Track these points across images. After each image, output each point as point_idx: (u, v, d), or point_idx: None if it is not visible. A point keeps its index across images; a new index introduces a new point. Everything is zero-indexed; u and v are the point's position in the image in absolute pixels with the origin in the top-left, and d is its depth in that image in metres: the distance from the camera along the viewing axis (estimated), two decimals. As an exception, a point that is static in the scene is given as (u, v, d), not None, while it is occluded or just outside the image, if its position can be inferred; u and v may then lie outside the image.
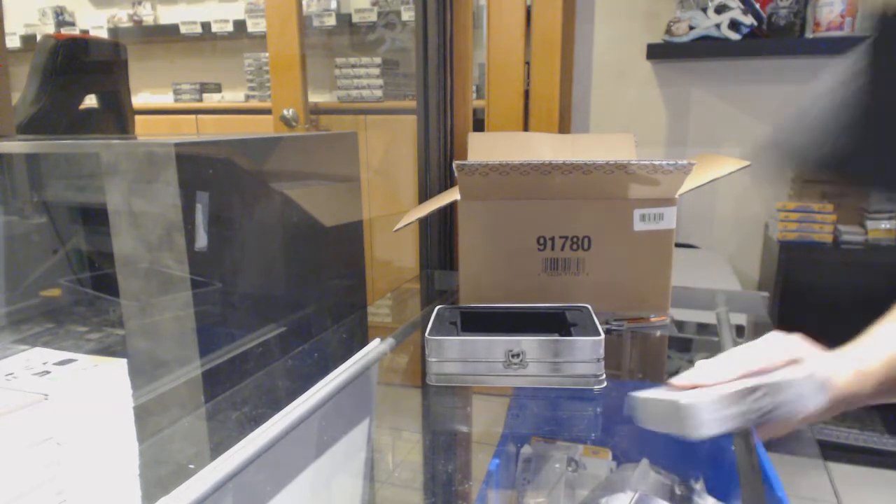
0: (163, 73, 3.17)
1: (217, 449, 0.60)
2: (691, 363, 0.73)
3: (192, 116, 2.88)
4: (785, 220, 1.85)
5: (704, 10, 1.90)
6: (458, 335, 0.80)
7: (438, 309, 0.88)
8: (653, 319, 0.96)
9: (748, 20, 1.86)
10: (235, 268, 0.86)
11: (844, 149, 0.64)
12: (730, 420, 0.51)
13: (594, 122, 2.21)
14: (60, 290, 1.08)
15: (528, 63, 1.86)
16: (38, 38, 3.10)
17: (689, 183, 0.95)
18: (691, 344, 0.98)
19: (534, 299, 0.93)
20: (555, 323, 0.85)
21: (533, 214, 0.95)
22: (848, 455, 1.79)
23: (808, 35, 1.90)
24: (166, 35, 3.11)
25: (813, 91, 1.96)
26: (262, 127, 2.61)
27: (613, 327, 0.93)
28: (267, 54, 2.33)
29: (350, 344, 1.04)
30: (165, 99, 3.12)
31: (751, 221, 2.14)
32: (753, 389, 0.51)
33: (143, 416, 0.76)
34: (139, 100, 3.13)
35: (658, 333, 0.95)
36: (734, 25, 1.87)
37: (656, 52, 1.99)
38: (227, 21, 2.92)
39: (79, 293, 1.08)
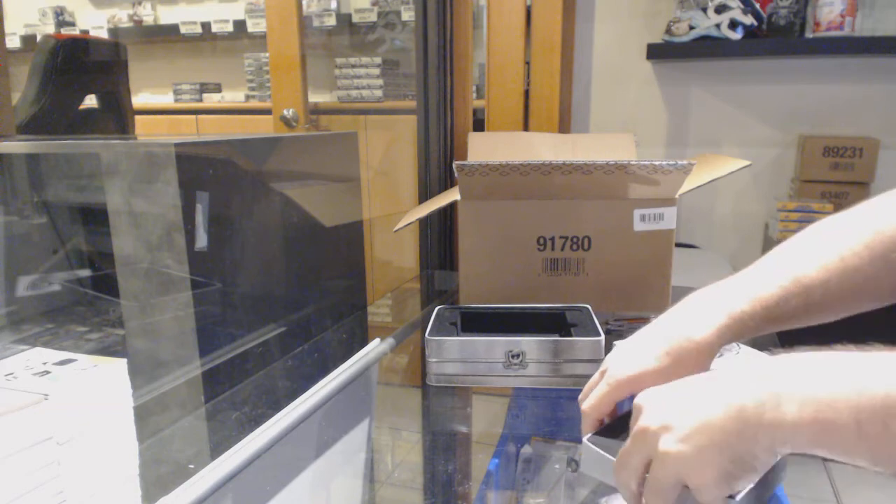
0: (163, 73, 3.17)
1: (217, 449, 0.60)
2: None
3: (192, 116, 2.88)
4: (785, 220, 1.85)
5: (704, 10, 1.90)
6: (458, 335, 0.80)
7: (438, 309, 0.88)
8: (653, 319, 0.95)
9: (748, 20, 1.86)
10: (235, 268, 0.86)
11: None
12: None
13: (594, 122, 2.21)
14: (60, 290, 1.08)
15: (528, 63, 1.86)
16: (38, 38, 3.10)
17: (689, 183, 0.95)
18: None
19: (534, 299, 0.93)
20: (555, 323, 0.85)
21: (533, 214, 0.95)
22: (848, 455, 1.78)
23: (808, 35, 1.89)
24: (166, 35, 3.11)
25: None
26: (262, 127, 2.61)
27: (613, 327, 0.93)
28: (267, 54, 2.33)
29: (350, 344, 1.04)
30: (165, 99, 3.12)
31: (751, 221, 2.13)
32: None
33: (143, 416, 0.76)
34: (139, 100, 3.13)
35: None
36: (734, 25, 1.87)
37: (656, 52, 1.99)
38: (227, 21, 2.92)
39: (79, 293, 1.08)
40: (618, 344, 0.60)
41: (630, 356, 0.56)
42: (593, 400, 0.55)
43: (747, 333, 0.55)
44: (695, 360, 0.53)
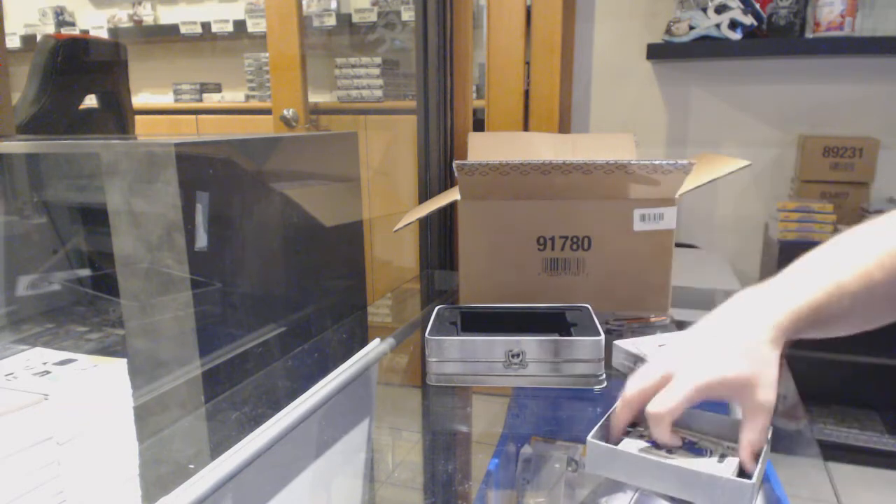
0: (163, 73, 3.17)
1: (217, 449, 0.60)
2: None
3: (192, 116, 2.88)
4: (785, 220, 1.85)
5: (704, 10, 1.90)
6: (458, 335, 0.80)
7: (438, 309, 0.88)
8: (653, 319, 0.96)
9: (748, 20, 1.86)
10: (235, 268, 0.86)
11: None
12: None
13: (594, 122, 2.21)
14: (60, 290, 1.08)
15: (528, 63, 1.86)
16: (38, 38, 3.10)
17: (689, 183, 0.95)
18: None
19: (534, 299, 0.93)
20: (555, 323, 0.85)
21: (533, 214, 0.95)
22: (848, 455, 1.79)
23: (808, 35, 1.90)
24: (166, 35, 3.11)
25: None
26: (262, 127, 2.61)
27: (613, 327, 0.93)
28: (267, 54, 2.33)
29: (350, 344, 1.04)
30: (165, 99, 3.12)
31: (751, 221, 2.14)
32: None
33: (143, 416, 0.76)
34: (139, 100, 3.13)
35: (658, 333, 0.95)
36: (734, 25, 1.87)
37: (656, 52, 1.99)
38: (227, 21, 2.92)
39: (79, 293, 1.08)
40: (679, 347, 0.57)
41: (704, 360, 0.54)
42: (671, 403, 0.52)
43: (795, 336, 0.55)
44: (767, 362, 0.52)
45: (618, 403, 0.56)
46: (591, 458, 0.54)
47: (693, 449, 0.55)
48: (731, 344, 0.53)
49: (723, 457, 0.54)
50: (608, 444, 0.54)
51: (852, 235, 0.60)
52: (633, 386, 0.55)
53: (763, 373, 0.52)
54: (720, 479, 0.49)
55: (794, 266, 0.60)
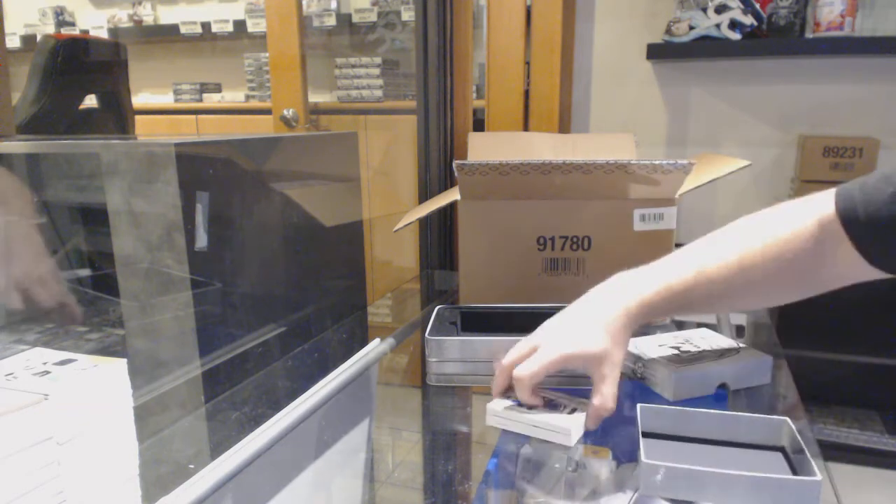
0: (163, 73, 3.17)
1: (217, 449, 0.60)
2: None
3: (192, 116, 2.88)
4: (785, 220, 1.85)
5: (704, 10, 1.90)
6: (458, 335, 0.80)
7: (438, 309, 0.88)
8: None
9: (748, 20, 1.86)
10: (235, 268, 0.86)
11: None
12: None
13: (594, 122, 2.21)
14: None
15: (528, 63, 1.86)
16: (38, 38, 3.10)
17: (689, 183, 0.95)
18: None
19: (534, 299, 0.93)
20: (555, 323, 0.84)
21: (533, 214, 0.95)
22: (848, 455, 1.79)
23: (808, 35, 1.90)
24: (166, 35, 3.11)
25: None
26: (262, 127, 2.61)
27: (613, 327, 0.93)
28: (267, 54, 2.33)
29: (350, 344, 1.04)
30: (165, 99, 3.12)
31: (751, 221, 2.13)
32: None
33: (143, 416, 0.76)
34: (139, 100, 3.13)
35: (658, 333, 0.95)
36: (734, 25, 1.87)
37: (656, 52, 1.99)
38: (227, 21, 2.92)
39: (79, 293, 1.08)
40: (548, 324, 0.68)
41: (565, 336, 0.65)
42: (533, 369, 0.63)
43: (657, 315, 0.68)
44: (617, 342, 0.64)
45: (496, 371, 0.68)
46: (650, 480, 0.53)
47: (550, 405, 0.67)
48: (589, 324, 0.65)
49: (573, 410, 0.65)
50: (668, 463, 0.52)
51: (727, 232, 0.70)
52: (508, 356, 0.67)
53: (612, 351, 0.63)
54: (787, 481, 0.50)
55: (671, 254, 0.71)
